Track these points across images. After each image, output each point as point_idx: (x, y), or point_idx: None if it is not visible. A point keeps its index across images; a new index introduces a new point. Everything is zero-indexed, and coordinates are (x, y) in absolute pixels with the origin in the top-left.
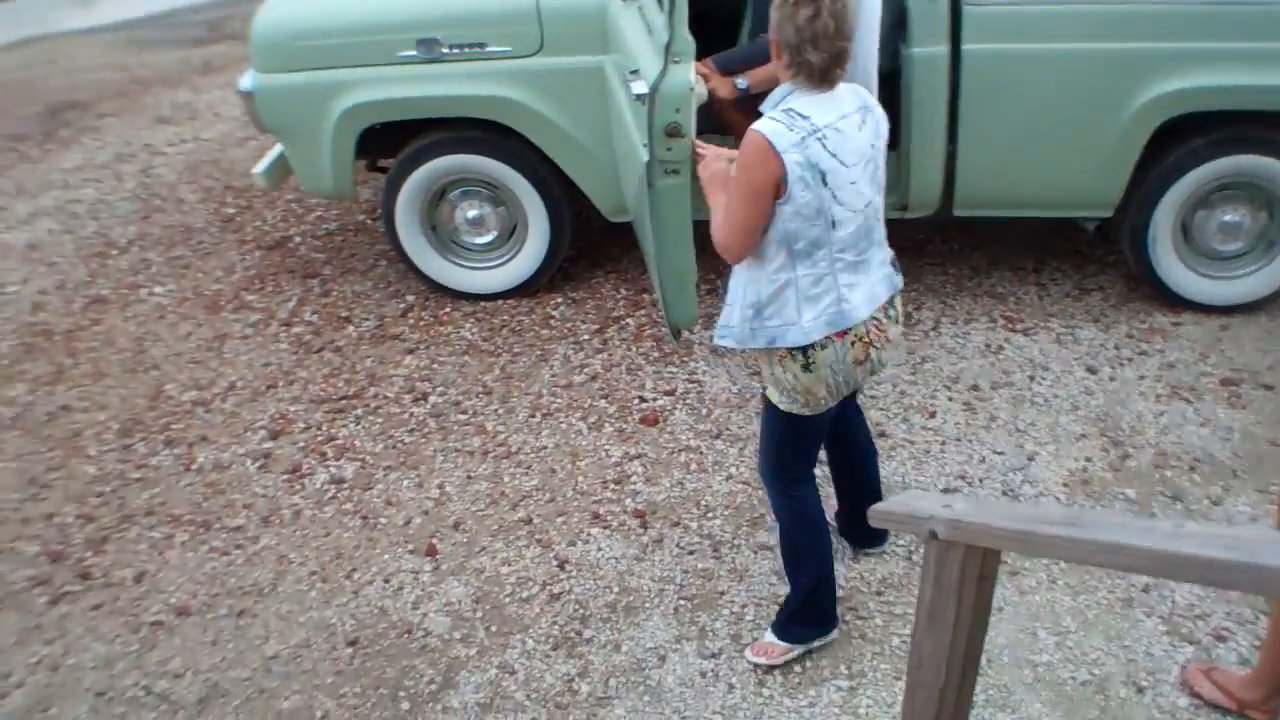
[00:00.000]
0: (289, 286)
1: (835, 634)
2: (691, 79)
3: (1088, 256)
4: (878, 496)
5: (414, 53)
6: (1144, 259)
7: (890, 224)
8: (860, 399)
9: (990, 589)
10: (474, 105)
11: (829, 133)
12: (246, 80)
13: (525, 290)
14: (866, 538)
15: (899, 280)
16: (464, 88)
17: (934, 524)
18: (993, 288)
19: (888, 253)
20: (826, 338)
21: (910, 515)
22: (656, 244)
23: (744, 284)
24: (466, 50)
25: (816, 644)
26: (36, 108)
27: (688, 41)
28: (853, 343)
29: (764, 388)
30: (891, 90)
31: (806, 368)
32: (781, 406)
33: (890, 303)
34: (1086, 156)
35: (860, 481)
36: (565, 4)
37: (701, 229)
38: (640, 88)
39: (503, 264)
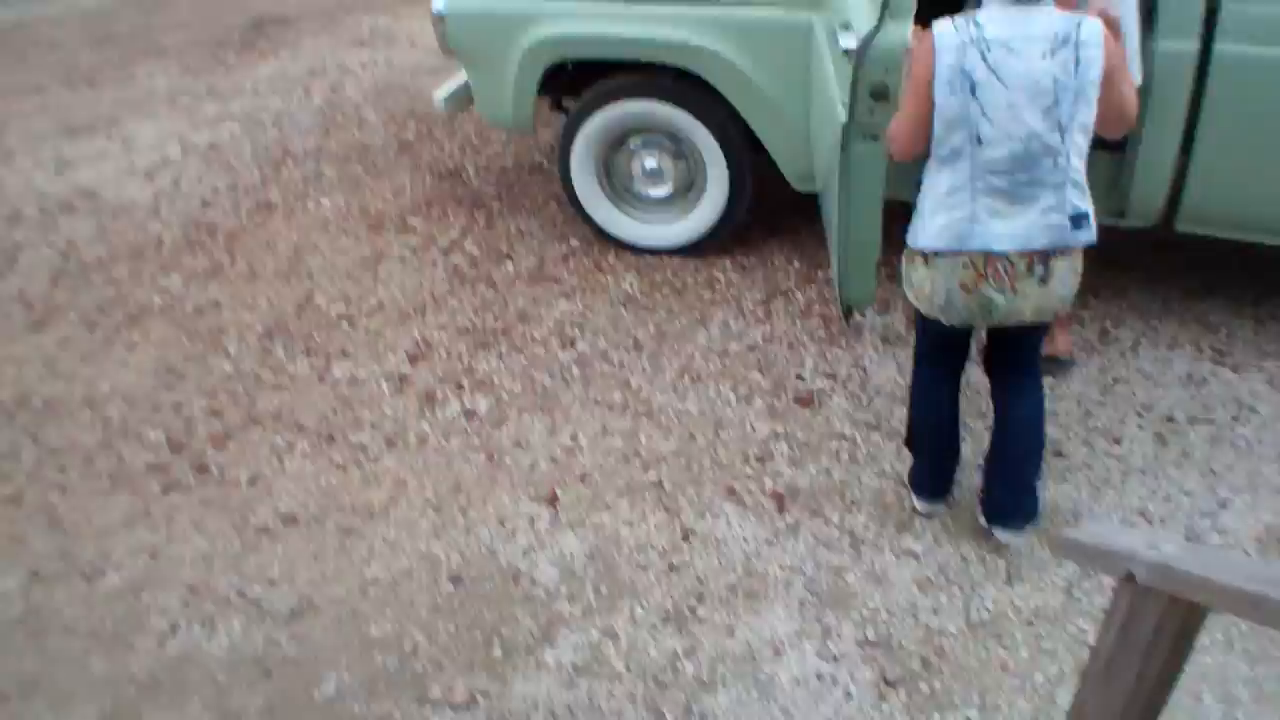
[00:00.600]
0: (454, 216)
1: (936, 508)
2: (907, 38)
3: None
4: (1012, 487)
5: None
6: None
7: (1102, 230)
8: (1047, 403)
9: (1187, 650)
10: (669, 51)
11: (996, 47)
12: (440, 2)
13: (693, 250)
14: (990, 514)
15: (1075, 240)
16: (661, 31)
17: (1135, 565)
18: (1203, 315)
19: (1069, 205)
20: (944, 251)
21: (1105, 550)
22: (842, 213)
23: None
24: None
25: (919, 505)
26: (242, 19)
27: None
28: (964, 266)
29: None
30: None
31: (921, 269)
32: (906, 294)
33: (1046, 258)
34: None
35: (995, 463)
36: None
37: (890, 207)
38: (849, 42)
39: (675, 220)
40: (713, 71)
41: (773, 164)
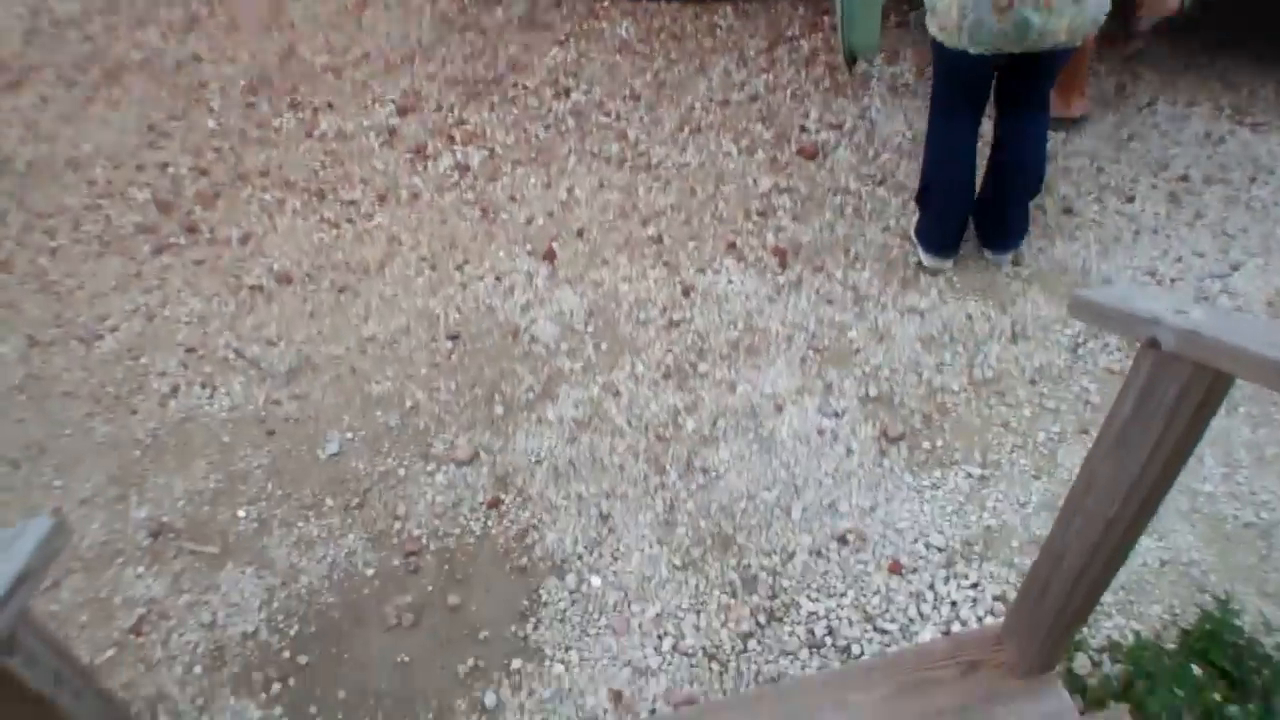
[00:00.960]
0: None
1: (943, 264)
2: None
3: None
4: (1016, 209)
5: None
6: None
7: None
8: (1060, 160)
9: (1208, 420)
10: None
11: None
12: None
13: None
14: (988, 236)
15: None
16: None
17: (1160, 330)
18: (1224, 73)
19: None
20: None
21: (1127, 313)
22: None
23: None
24: None
25: (926, 260)
26: None
27: None
28: None
29: None
30: None
31: None
32: (929, 29)
33: None
34: None
35: (997, 185)
36: None
37: None
38: None
39: None
40: None
41: None
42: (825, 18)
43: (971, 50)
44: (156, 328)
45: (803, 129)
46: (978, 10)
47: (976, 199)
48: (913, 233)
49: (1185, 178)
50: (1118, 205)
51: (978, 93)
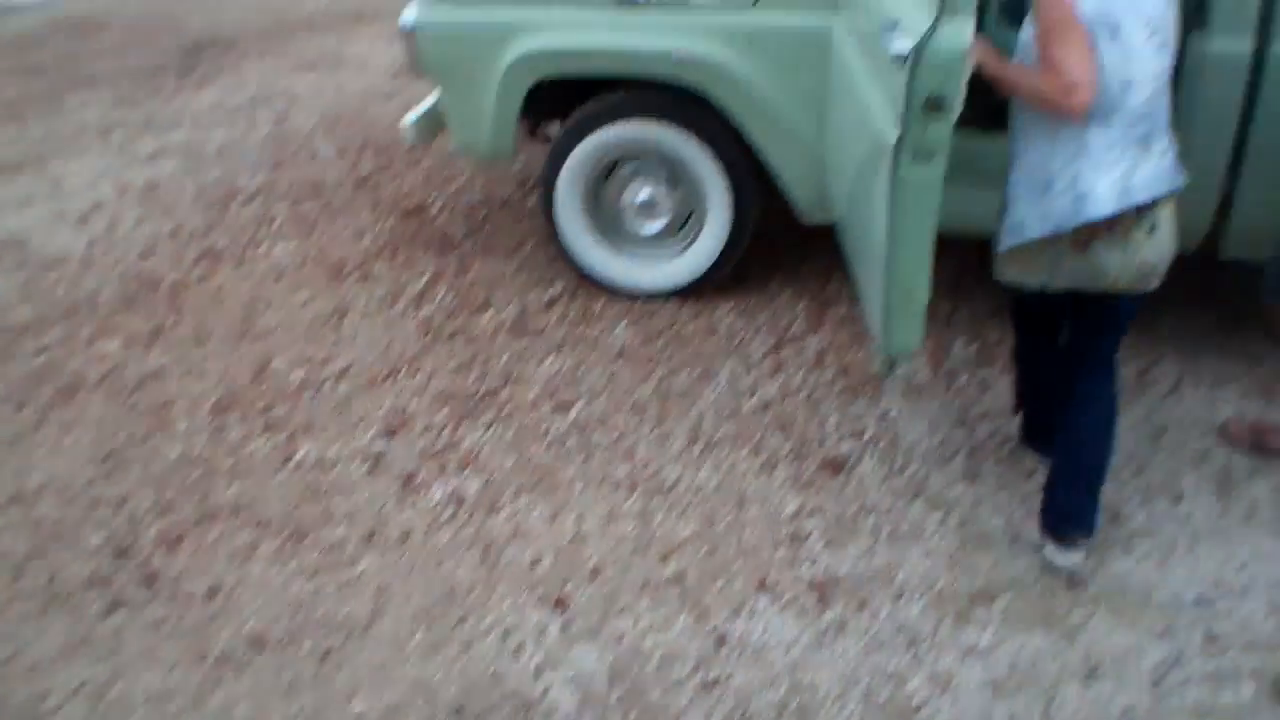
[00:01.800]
0: (423, 260)
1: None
2: (969, 39)
3: None
4: (1052, 495)
5: None
6: None
7: None
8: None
9: None
10: (670, 65)
11: None
12: (410, 13)
13: (691, 291)
14: (1051, 522)
15: (1179, 180)
16: (662, 42)
17: None
18: (1245, 346)
19: (1174, 143)
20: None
21: None
22: (891, 248)
23: (1030, 165)
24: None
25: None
26: (179, 41)
27: None
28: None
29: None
30: None
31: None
32: (1005, 277)
33: (1152, 206)
34: None
35: (1059, 467)
36: None
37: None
38: (902, 45)
39: (671, 258)
40: (718, 86)
41: (779, 191)
42: (829, 311)
43: (1049, 288)
44: (106, 709)
45: (821, 440)
46: (1057, 252)
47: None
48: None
49: (1228, 468)
50: (1166, 507)
51: (1053, 316)
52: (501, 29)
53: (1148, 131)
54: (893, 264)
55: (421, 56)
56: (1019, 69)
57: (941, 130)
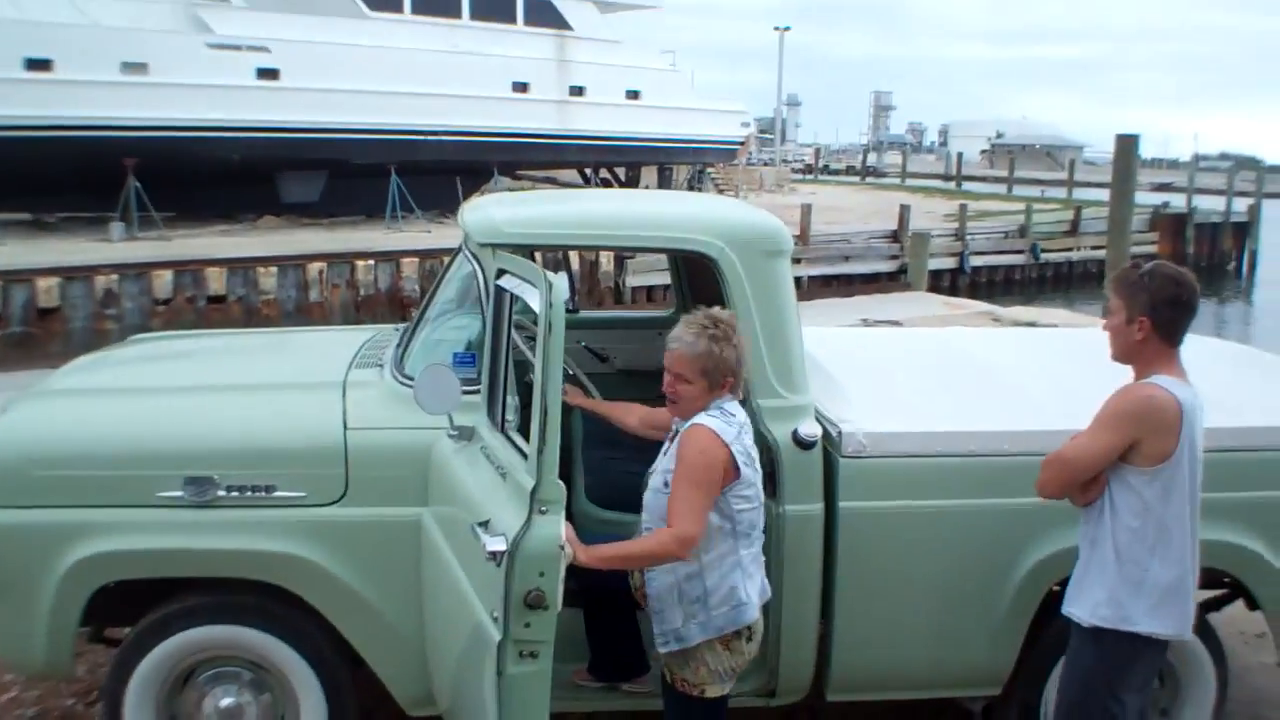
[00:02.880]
0: None
1: None
2: (561, 534)
3: None
4: None
5: (180, 493)
6: None
7: (730, 712)
8: None
9: None
10: (253, 563)
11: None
12: None
13: None
14: None
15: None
16: (242, 540)
17: None
18: None
19: None
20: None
21: None
22: None
23: (676, 584)
24: (249, 494)
25: None
26: None
27: (558, 487)
28: None
29: (694, 694)
30: None
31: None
32: (712, 694)
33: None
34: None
35: None
36: (380, 442)
37: None
38: (497, 544)
39: None
40: (307, 584)
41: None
42: None
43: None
44: None
45: None
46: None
47: None
48: None
49: None
50: None
51: None
52: (54, 532)
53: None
54: None
55: None
56: (620, 547)
57: (544, 625)
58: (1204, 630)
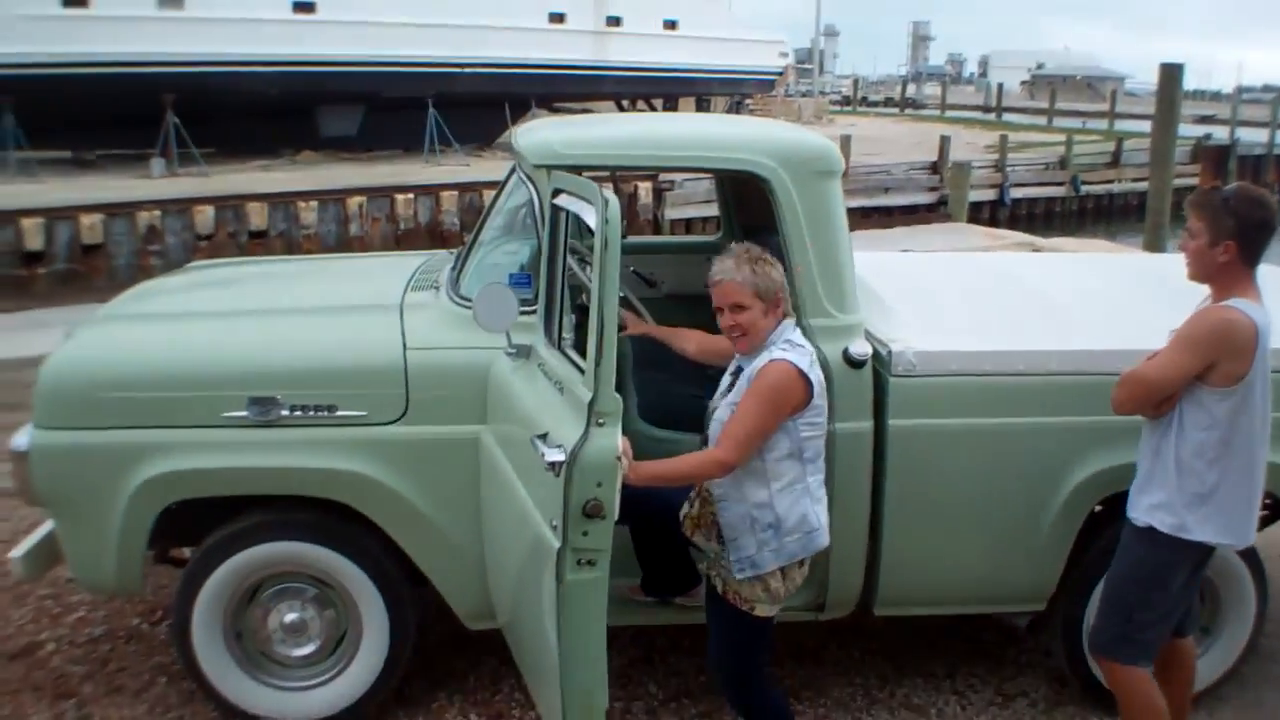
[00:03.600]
0: (35, 710)
1: None
2: (619, 445)
3: (1001, 658)
4: None
5: (244, 413)
6: (1080, 654)
7: (783, 629)
8: None
9: None
10: (317, 481)
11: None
12: (22, 437)
13: (352, 715)
14: None
15: None
16: (306, 458)
17: None
18: (907, 698)
19: None
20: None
21: None
22: (562, 654)
23: (748, 514)
24: (312, 414)
25: None
26: None
27: (615, 400)
28: None
29: (744, 609)
30: None
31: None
32: (762, 614)
33: None
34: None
35: None
36: (439, 361)
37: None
38: (556, 455)
39: (326, 681)
40: (370, 501)
41: (439, 598)
42: None
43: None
44: None
45: None
46: None
47: None
48: None
49: None
50: None
51: None
52: (127, 450)
53: None
54: (567, 667)
55: (36, 483)
56: (662, 465)
57: (602, 534)
58: (1246, 550)
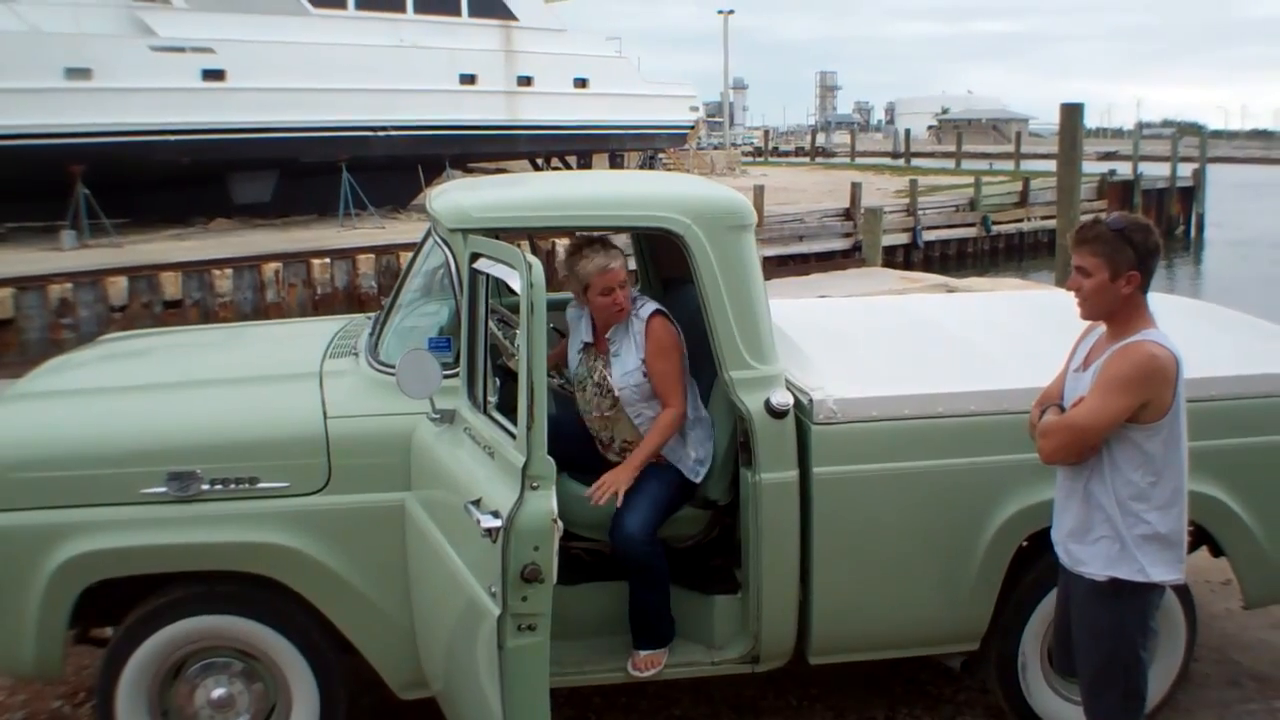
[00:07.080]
0: None
1: None
2: (553, 507)
3: (939, 697)
4: None
5: (164, 489)
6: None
7: (720, 682)
8: None
9: None
10: (240, 555)
11: None
12: None
13: None
14: None
15: None
16: (228, 533)
17: None
18: None
19: None
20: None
21: None
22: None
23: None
24: (233, 486)
25: None
26: None
27: (548, 463)
28: None
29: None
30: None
31: None
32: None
33: None
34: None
35: None
36: (361, 429)
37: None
38: (491, 521)
39: None
40: (295, 573)
41: (369, 668)
42: None
43: None
44: None
45: None
46: None
47: None
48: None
49: None
50: None
51: None
52: (40, 534)
53: None
54: None
55: None
56: (642, 450)
57: (541, 598)
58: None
